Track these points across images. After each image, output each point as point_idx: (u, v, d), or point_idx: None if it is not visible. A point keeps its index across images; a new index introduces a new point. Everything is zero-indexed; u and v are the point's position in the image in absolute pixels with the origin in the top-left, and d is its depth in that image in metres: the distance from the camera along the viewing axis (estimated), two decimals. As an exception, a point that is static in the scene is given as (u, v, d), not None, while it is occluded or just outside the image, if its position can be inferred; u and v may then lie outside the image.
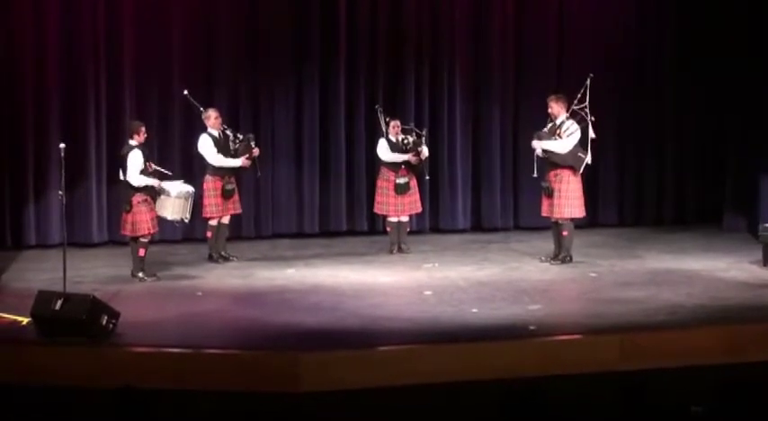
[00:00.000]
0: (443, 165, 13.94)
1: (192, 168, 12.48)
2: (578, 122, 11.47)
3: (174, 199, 10.99)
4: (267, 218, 13.69)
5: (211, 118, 11.81)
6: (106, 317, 8.70)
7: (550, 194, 11.55)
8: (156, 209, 10.96)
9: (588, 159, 11.53)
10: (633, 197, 14.50)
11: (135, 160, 10.80)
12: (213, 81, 13.25)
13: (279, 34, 13.49)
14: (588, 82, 11.55)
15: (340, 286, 10.81)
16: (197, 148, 11.86)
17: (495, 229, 14.07)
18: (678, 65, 14.32)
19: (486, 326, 9.11)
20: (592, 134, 11.47)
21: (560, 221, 11.62)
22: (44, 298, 8.78)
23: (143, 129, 11.02)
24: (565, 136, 11.43)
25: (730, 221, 13.84)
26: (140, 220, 10.84)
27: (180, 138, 13.11)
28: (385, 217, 12.69)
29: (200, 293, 10.53)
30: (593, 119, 11.46)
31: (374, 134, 12.90)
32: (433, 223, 14.09)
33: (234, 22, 13.40)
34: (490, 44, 14.05)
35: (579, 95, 11.54)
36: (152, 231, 11.02)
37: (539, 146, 11.55)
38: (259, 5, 13.49)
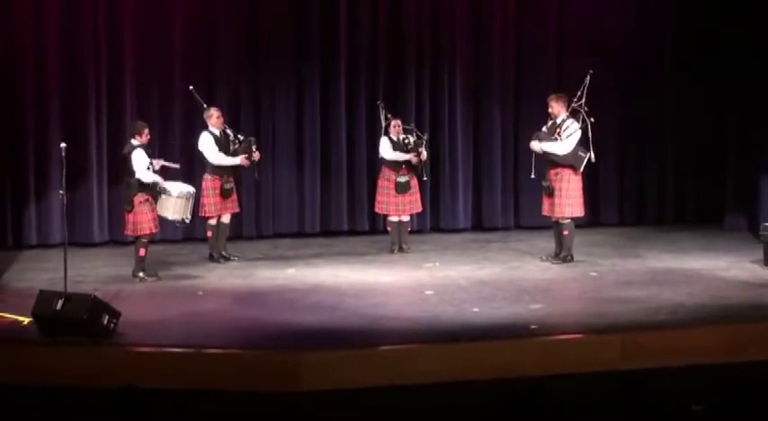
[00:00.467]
0: (444, 164, 13.94)
1: (194, 168, 12.48)
2: (579, 121, 11.47)
3: (176, 199, 11.01)
4: (268, 217, 13.68)
5: (213, 117, 11.82)
6: (107, 317, 8.71)
7: (551, 193, 11.55)
8: (158, 209, 10.97)
9: (592, 157, 11.52)
10: (634, 196, 14.49)
11: (140, 158, 10.82)
12: (214, 81, 13.24)
13: (279, 34, 13.49)
14: (587, 79, 11.55)
15: (341, 286, 10.81)
16: (197, 146, 11.86)
17: (495, 229, 14.06)
18: (679, 65, 14.31)
19: (486, 326, 9.11)
20: (590, 134, 11.47)
21: (561, 220, 11.62)
22: (45, 297, 8.79)
23: (146, 130, 11.01)
24: (564, 136, 11.43)
25: (731, 221, 13.83)
26: (142, 220, 10.85)
27: (181, 137, 13.10)
28: (386, 216, 12.69)
29: (201, 293, 10.54)
30: (592, 120, 11.46)
31: (375, 133, 12.90)
32: (433, 222, 14.09)
33: (234, 22, 13.40)
34: (490, 44, 14.05)
35: (579, 93, 11.54)
36: (153, 231, 11.03)
37: (538, 147, 11.55)
38: (259, 5, 13.49)
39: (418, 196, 12.59)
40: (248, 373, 8.16)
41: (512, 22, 14.10)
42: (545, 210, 11.75)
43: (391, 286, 10.88)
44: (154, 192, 10.91)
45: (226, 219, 11.96)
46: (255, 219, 13.56)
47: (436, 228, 14.04)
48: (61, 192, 10.01)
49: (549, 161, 11.57)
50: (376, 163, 12.93)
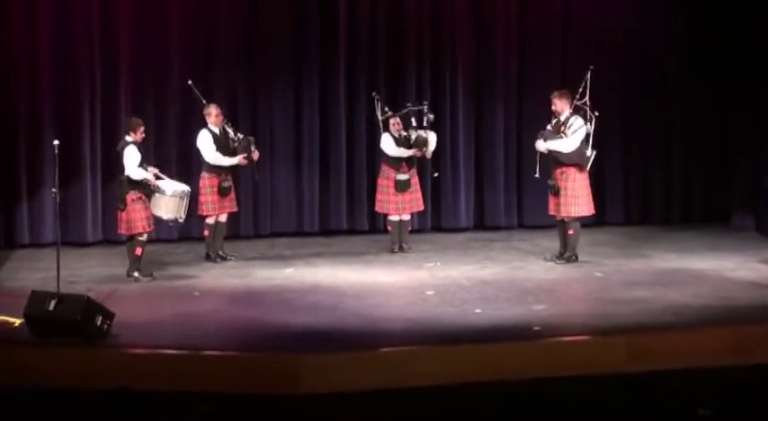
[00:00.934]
0: (446, 162, 13.93)
1: (190, 166, 12.48)
2: (583, 117, 11.47)
3: (170, 198, 10.97)
4: (266, 216, 13.68)
5: (212, 115, 11.81)
6: (101, 318, 8.68)
7: (557, 193, 11.55)
8: (151, 207, 10.94)
9: (592, 153, 11.50)
10: (640, 196, 14.49)
11: (131, 154, 10.79)
12: (212, 79, 13.20)
13: (278, 32, 13.49)
14: (588, 75, 11.54)
15: (340, 286, 10.80)
16: (196, 144, 11.84)
17: (498, 228, 14.07)
18: (685, 64, 14.31)
19: (489, 327, 9.10)
20: (591, 128, 11.46)
21: (567, 220, 11.61)
22: (37, 298, 8.77)
23: (142, 128, 10.99)
24: (570, 133, 11.42)
25: (738, 220, 13.84)
26: (135, 219, 10.83)
27: (177, 136, 13.12)
28: (386, 215, 12.68)
29: (197, 293, 10.52)
30: (596, 113, 11.46)
31: (375, 131, 12.87)
32: (434, 221, 14.09)
33: (233, 20, 13.40)
34: (493, 40, 14.04)
35: (581, 90, 11.54)
36: (147, 230, 11.00)
37: (543, 147, 11.54)
38: (259, 5, 13.48)
39: (419, 194, 12.58)
40: (245, 375, 8.14)
41: (514, 18, 14.11)
42: (551, 210, 11.75)
43: (391, 286, 10.87)
44: (147, 190, 10.89)
45: (223, 218, 11.95)
46: (253, 217, 13.56)
47: (437, 228, 14.04)
48: (54, 190, 10.00)
49: (555, 160, 11.56)
50: (376, 161, 12.93)
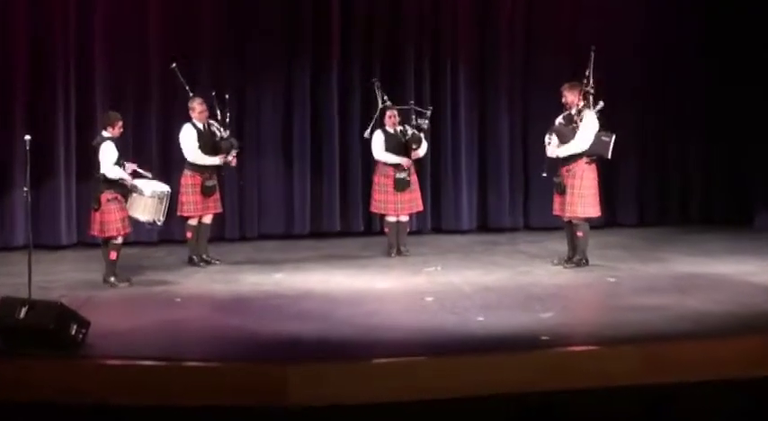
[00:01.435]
0: (447, 160, 13.94)
1: (170, 164, 12.46)
2: (592, 106, 11.45)
3: (148, 198, 10.93)
4: (253, 217, 13.68)
5: (196, 110, 11.77)
6: (75, 327, 8.65)
7: (563, 191, 11.53)
8: (127, 208, 10.90)
9: (611, 137, 11.44)
10: (654, 195, 14.50)
11: (108, 151, 10.76)
12: (195, 71, 13.08)
13: (267, 20, 13.51)
14: (592, 56, 11.51)
15: (332, 292, 10.79)
16: (178, 139, 11.80)
17: (502, 230, 14.10)
18: (705, 62, 14.35)
19: (492, 337, 9.08)
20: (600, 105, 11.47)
21: (574, 221, 11.60)
22: (7, 304, 8.74)
23: (120, 123, 10.95)
24: (582, 127, 11.40)
25: (761, 221, 13.85)
26: (109, 220, 10.78)
27: (156, 132, 13.15)
28: (383, 216, 12.67)
29: (178, 300, 10.50)
30: (601, 103, 11.44)
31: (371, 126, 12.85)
32: (434, 223, 14.11)
33: (216, 7, 13.37)
34: (497, 29, 14.06)
35: (587, 72, 11.51)
36: (123, 232, 10.94)
37: (555, 154, 11.49)
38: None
39: (419, 194, 12.57)
40: (231, 388, 8.12)
41: (520, 5, 14.12)
42: (556, 210, 11.73)
43: (388, 292, 10.87)
44: (124, 189, 10.85)
45: (207, 219, 11.93)
46: (239, 218, 13.56)
47: (438, 229, 14.07)
48: (25, 189, 9.96)
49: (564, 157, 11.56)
50: (371, 158, 12.91)
